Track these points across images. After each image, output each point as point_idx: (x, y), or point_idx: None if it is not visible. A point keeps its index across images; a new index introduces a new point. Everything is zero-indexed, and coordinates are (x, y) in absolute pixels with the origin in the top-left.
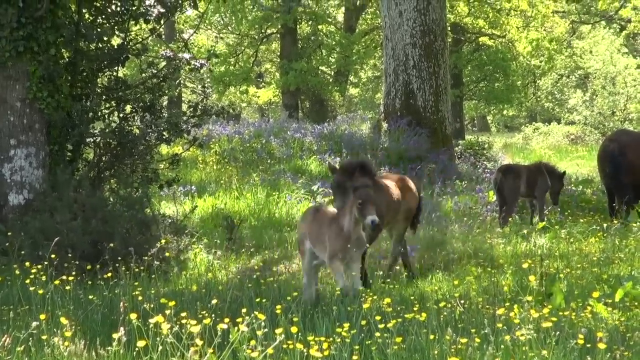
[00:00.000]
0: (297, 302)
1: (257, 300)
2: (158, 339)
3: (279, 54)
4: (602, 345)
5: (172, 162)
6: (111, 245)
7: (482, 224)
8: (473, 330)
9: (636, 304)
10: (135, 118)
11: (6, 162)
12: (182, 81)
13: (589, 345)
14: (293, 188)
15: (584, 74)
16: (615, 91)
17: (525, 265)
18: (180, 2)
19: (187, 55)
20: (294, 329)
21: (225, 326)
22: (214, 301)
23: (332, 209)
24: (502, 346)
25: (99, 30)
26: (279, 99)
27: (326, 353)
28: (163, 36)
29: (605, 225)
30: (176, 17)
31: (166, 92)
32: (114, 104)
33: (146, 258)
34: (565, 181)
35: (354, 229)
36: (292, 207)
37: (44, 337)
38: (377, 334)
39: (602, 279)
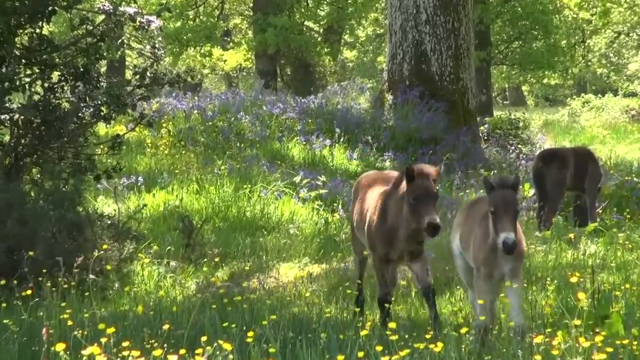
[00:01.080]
0: (275, 327)
1: (223, 325)
2: None
3: (251, 5)
4: None
5: (112, 145)
6: (31, 253)
7: None
8: None
9: None
10: (65, 88)
11: None
12: (125, 41)
13: None
14: (270, 179)
15: None
16: None
17: (572, 280)
18: None
19: (131, 10)
20: None
21: (177, 359)
22: (166, 327)
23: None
24: None
25: None
26: (252, 63)
27: None
28: None
29: None
30: None
31: (105, 55)
32: (37, 70)
33: (78, 270)
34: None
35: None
36: (269, 204)
37: None
38: None
39: None
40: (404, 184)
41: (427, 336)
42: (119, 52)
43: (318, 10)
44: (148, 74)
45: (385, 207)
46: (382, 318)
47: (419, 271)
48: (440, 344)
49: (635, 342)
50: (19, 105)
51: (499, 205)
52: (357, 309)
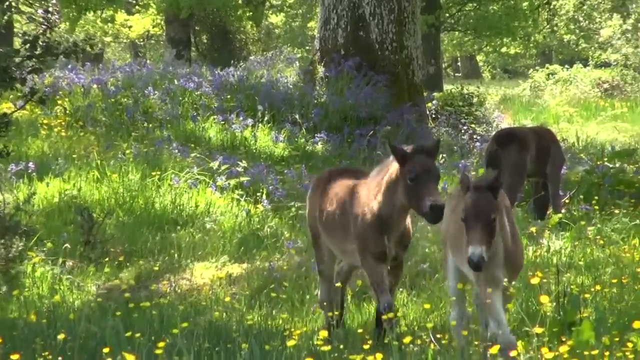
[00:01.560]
0: (188, 337)
1: (127, 334)
2: None
3: None
4: None
5: None
6: None
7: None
8: None
9: None
10: None
11: None
12: (13, 4)
13: None
14: (183, 165)
15: None
16: None
17: (533, 281)
18: None
19: None
20: None
21: None
22: (61, 336)
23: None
24: None
25: None
26: (162, 30)
27: None
28: None
29: None
30: None
31: None
32: None
33: None
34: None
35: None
36: (181, 194)
37: None
38: None
39: None
40: (393, 168)
41: (365, 346)
42: (5, 17)
43: None
44: (40, 42)
45: (371, 197)
46: (379, 333)
47: (392, 285)
48: (379, 356)
49: (607, 353)
50: None
51: (469, 213)
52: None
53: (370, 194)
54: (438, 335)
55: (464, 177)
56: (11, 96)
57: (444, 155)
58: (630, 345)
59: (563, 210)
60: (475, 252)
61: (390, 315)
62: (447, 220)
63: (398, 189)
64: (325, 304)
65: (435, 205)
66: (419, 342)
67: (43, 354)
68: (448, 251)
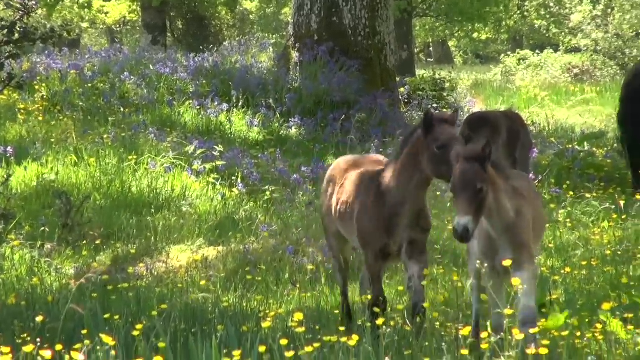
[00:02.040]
0: (165, 319)
1: (105, 316)
2: None
3: None
4: None
5: None
6: None
7: (439, 202)
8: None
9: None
10: None
11: None
12: None
13: None
14: (159, 149)
15: None
16: None
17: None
18: None
19: None
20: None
21: (52, 355)
22: (40, 318)
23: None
24: None
25: None
26: (138, 16)
27: None
28: None
29: (624, 202)
30: None
31: None
32: None
33: None
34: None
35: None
36: (157, 178)
37: None
38: None
39: (618, 283)
40: (412, 143)
41: (341, 328)
42: None
43: None
44: (17, 28)
45: (382, 187)
46: (372, 321)
47: (416, 275)
48: (355, 337)
49: (578, 333)
50: None
51: (456, 183)
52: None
53: (377, 183)
54: (410, 318)
55: (456, 149)
56: None
57: None
58: (599, 326)
59: None
60: (460, 222)
61: (376, 309)
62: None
63: (420, 161)
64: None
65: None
66: (392, 323)
67: (22, 336)
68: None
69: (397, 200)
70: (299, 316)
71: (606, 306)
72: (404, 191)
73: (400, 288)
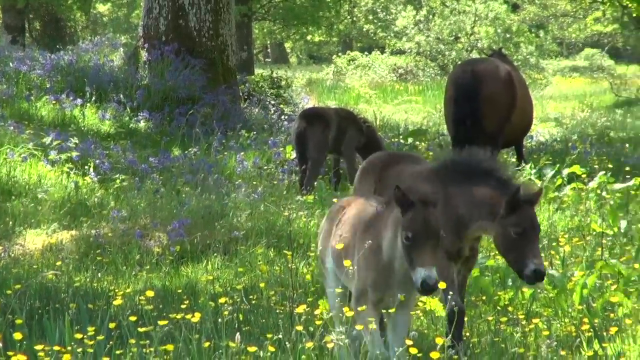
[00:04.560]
0: (21, 297)
1: None
2: None
3: None
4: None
5: None
6: None
7: (276, 189)
8: (269, 336)
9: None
10: None
11: None
12: None
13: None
14: (17, 141)
15: None
16: (459, 9)
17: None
18: None
19: None
20: (17, 336)
21: None
22: None
23: (373, 206)
24: (303, 356)
25: None
26: None
27: None
28: None
29: None
30: None
31: None
32: None
33: None
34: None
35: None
36: (15, 167)
37: None
38: (132, 341)
39: None
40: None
41: (183, 306)
42: None
43: None
44: None
45: None
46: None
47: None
48: (198, 314)
49: None
50: None
51: (419, 231)
52: None
53: None
54: (250, 296)
55: (399, 191)
56: None
57: (255, 132)
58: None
59: None
60: (431, 275)
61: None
62: (328, 234)
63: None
64: None
65: (539, 270)
66: (231, 301)
67: None
68: (327, 263)
69: None
70: (150, 293)
71: None
72: None
73: (241, 269)
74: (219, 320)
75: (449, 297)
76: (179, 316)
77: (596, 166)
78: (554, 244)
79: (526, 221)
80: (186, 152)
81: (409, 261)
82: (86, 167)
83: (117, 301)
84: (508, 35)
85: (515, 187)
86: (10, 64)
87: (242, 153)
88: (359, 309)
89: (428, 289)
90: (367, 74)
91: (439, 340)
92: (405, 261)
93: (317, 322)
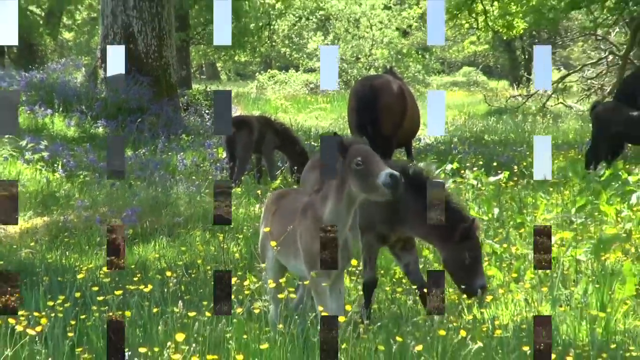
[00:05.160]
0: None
1: None
2: None
3: None
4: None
5: None
6: None
7: (210, 183)
8: (205, 303)
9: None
10: None
11: None
12: None
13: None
14: None
15: (326, 16)
16: (359, 34)
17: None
18: None
19: None
20: None
21: None
22: None
23: (305, 193)
24: (235, 320)
25: None
26: None
27: (39, 329)
28: None
29: None
30: None
31: None
32: None
33: None
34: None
35: (341, 221)
36: None
37: None
38: (94, 307)
39: None
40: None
41: (135, 278)
42: None
43: None
44: None
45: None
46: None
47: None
48: (150, 286)
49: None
50: None
51: (366, 153)
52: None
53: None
54: (190, 271)
55: (339, 141)
56: None
57: (193, 136)
58: None
59: (278, 180)
60: (393, 172)
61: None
62: (270, 223)
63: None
64: None
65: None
66: (175, 275)
67: None
68: (269, 249)
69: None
70: (105, 269)
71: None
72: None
73: (183, 248)
74: (165, 290)
75: (366, 272)
76: (133, 287)
77: (474, 163)
78: None
79: (478, 247)
80: (137, 152)
81: (366, 178)
82: (55, 165)
83: (81, 275)
84: (399, 57)
85: (471, 218)
86: None
87: (182, 153)
88: (312, 274)
89: (395, 179)
90: (284, 88)
91: (348, 307)
92: (361, 188)
93: (246, 292)
